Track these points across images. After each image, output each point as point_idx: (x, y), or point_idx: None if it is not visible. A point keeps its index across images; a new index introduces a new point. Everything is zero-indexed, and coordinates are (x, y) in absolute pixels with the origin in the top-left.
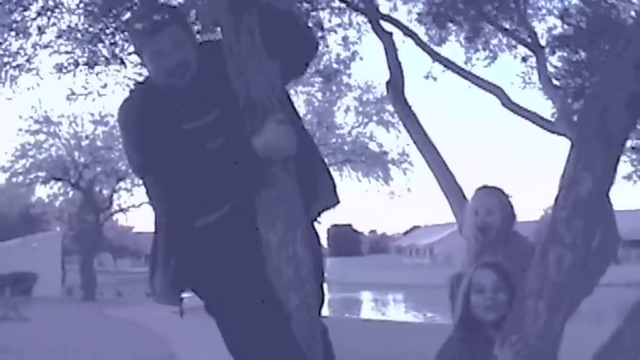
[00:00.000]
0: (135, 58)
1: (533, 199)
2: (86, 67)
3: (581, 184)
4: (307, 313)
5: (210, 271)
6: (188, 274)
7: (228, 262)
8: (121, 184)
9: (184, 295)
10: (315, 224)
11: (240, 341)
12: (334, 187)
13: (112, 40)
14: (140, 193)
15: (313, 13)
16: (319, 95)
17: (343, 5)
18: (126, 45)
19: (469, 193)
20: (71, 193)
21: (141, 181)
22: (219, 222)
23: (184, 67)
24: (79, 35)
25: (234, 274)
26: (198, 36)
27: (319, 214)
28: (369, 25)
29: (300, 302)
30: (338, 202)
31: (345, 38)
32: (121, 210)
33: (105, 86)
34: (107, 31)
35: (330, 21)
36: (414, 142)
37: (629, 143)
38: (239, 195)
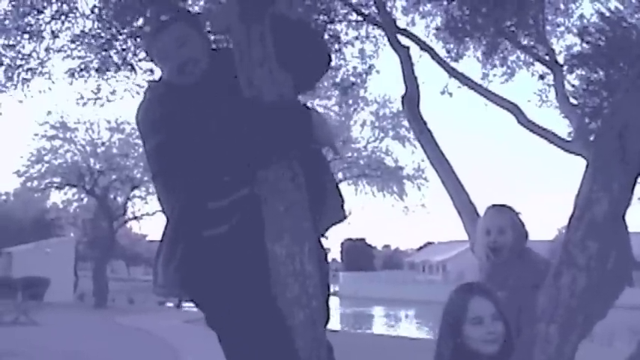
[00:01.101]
0: (145, 64)
1: (547, 218)
2: (97, 72)
3: (596, 204)
4: (312, 330)
5: (214, 282)
6: (191, 276)
7: (232, 275)
8: (136, 191)
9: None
10: (323, 240)
11: (241, 356)
12: (342, 202)
13: (124, 46)
14: (154, 202)
15: (330, 26)
16: (336, 109)
17: (360, 18)
18: (137, 51)
19: (482, 211)
20: (85, 200)
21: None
22: (226, 233)
23: (192, 63)
24: (92, 40)
25: (237, 286)
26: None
27: (327, 230)
28: (386, 39)
29: (306, 318)
30: (345, 217)
31: (361, 51)
32: (135, 218)
33: (114, 92)
34: (119, 37)
35: (347, 34)
36: (428, 158)
37: None
38: (248, 205)
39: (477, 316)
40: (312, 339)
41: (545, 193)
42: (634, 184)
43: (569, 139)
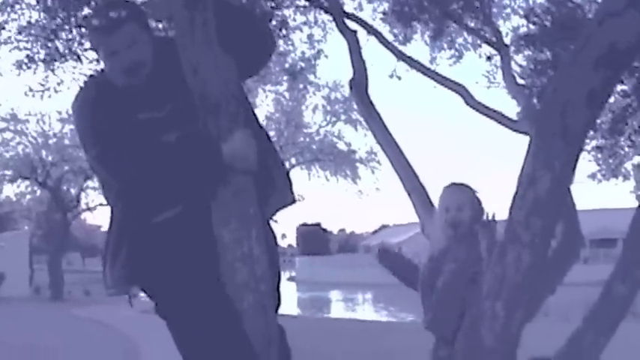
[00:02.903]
0: (91, 54)
1: (498, 198)
2: (43, 63)
3: (539, 182)
4: (262, 314)
5: (162, 268)
6: (138, 268)
7: (180, 261)
8: (89, 182)
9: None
10: (275, 224)
11: (191, 343)
12: (291, 185)
13: (69, 36)
14: None
15: (277, 12)
16: (287, 94)
17: (307, 4)
18: (83, 40)
19: (433, 192)
20: (39, 192)
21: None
22: (174, 220)
23: (139, 66)
24: (38, 31)
25: (186, 273)
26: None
27: (275, 213)
28: (334, 24)
29: (255, 302)
30: (294, 200)
31: (310, 36)
32: (89, 209)
33: (61, 83)
34: (65, 27)
35: (294, 19)
36: (378, 142)
37: (593, 142)
38: (194, 192)
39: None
40: (263, 323)
41: (496, 173)
42: (576, 162)
43: (517, 119)
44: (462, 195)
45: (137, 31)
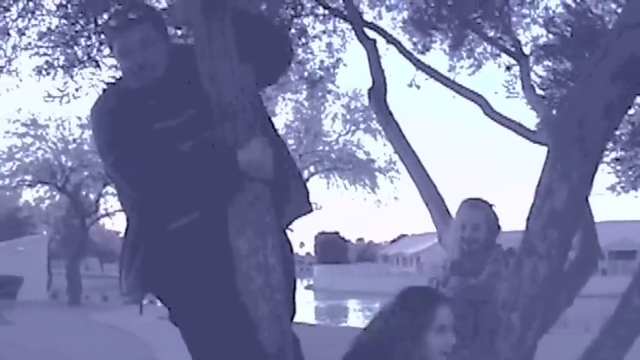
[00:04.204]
0: (110, 61)
1: (517, 208)
2: (62, 69)
3: (556, 194)
4: (277, 323)
5: (177, 276)
6: (153, 276)
7: (195, 269)
8: (108, 188)
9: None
10: (290, 232)
11: (204, 351)
12: (307, 194)
13: (88, 43)
14: None
15: (297, 20)
16: (306, 103)
17: (327, 12)
18: (102, 47)
19: (451, 202)
20: (58, 197)
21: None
22: (189, 227)
23: (151, 66)
24: (58, 37)
25: (201, 280)
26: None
27: (291, 222)
28: (353, 33)
29: (270, 311)
30: (311, 210)
31: (329, 45)
32: (108, 214)
33: (79, 89)
34: (84, 34)
35: (314, 28)
36: (396, 151)
37: (612, 154)
38: (210, 200)
39: (441, 324)
40: (277, 332)
41: (514, 184)
42: (594, 173)
43: (536, 129)
44: (479, 212)
45: (152, 33)
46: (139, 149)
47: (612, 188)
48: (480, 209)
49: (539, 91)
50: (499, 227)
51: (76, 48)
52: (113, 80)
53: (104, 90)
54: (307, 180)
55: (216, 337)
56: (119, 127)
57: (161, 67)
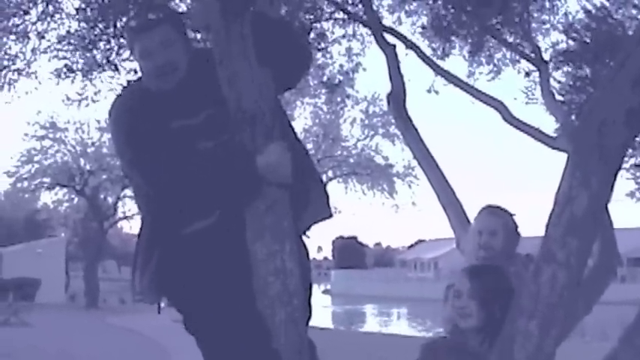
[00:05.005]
0: (129, 64)
1: (536, 214)
2: (81, 72)
3: (576, 201)
4: (294, 328)
5: (193, 281)
6: (168, 277)
7: (211, 274)
8: (126, 191)
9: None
10: (307, 238)
11: (219, 357)
12: (327, 199)
13: (107, 47)
14: None
15: (316, 25)
16: (325, 107)
17: (346, 17)
18: (121, 51)
19: (469, 208)
20: (76, 200)
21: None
22: (206, 231)
23: (171, 67)
24: (77, 41)
25: (217, 287)
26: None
27: (309, 227)
28: (372, 37)
29: (287, 316)
30: (330, 215)
31: (348, 50)
32: (126, 217)
33: (98, 92)
34: (103, 37)
35: (333, 32)
36: (414, 156)
37: (632, 160)
38: (228, 204)
39: (457, 289)
40: (294, 337)
41: (533, 190)
42: (614, 180)
43: (555, 135)
44: (497, 219)
45: (173, 34)
46: (156, 147)
47: (631, 195)
48: (498, 216)
49: (558, 97)
50: (519, 235)
51: (95, 51)
52: (132, 81)
53: (123, 88)
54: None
55: (232, 345)
56: (137, 124)
57: (182, 68)
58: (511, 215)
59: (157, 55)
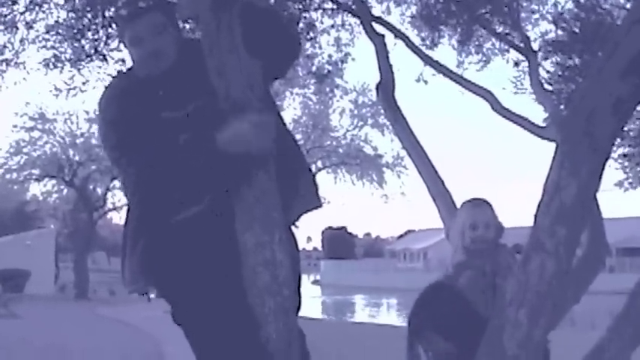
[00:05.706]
0: (117, 54)
1: (525, 204)
2: (69, 62)
3: (565, 190)
4: (284, 318)
5: (180, 269)
6: (155, 265)
7: (200, 262)
8: (115, 182)
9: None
10: (295, 229)
11: (208, 350)
12: (317, 189)
13: (96, 36)
14: None
15: (305, 14)
16: (314, 98)
17: (335, 7)
18: (109, 41)
19: (458, 198)
20: (65, 191)
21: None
22: (193, 220)
23: (161, 54)
24: (65, 31)
25: (205, 275)
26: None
27: (299, 217)
28: (361, 27)
29: (277, 306)
30: (320, 204)
31: (337, 40)
32: (115, 208)
33: (86, 82)
34: (91, 27)
35: (322, 22)
36: (403, 146)
37: (620, 150)
38: (215, 193)
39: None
40: (284, 327)
41: (522, 179)
42: (602, 170)
43: (544, 125)
44: (487, 211)
45: (163, 22)
46: (144, 135)
47: (620, 184)
48: (487, 208)
49: (547, 87)
50: (503, 226)
51: (83, 41)
52: (122, 70)
53: (114, 77)
54: (314, 175)
55: (219, 336)
56: (126, 110)
57: (171, 56)
58: (492, 207)
59: (147, 42)
